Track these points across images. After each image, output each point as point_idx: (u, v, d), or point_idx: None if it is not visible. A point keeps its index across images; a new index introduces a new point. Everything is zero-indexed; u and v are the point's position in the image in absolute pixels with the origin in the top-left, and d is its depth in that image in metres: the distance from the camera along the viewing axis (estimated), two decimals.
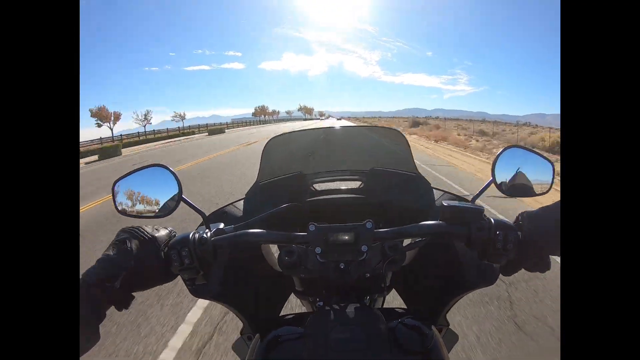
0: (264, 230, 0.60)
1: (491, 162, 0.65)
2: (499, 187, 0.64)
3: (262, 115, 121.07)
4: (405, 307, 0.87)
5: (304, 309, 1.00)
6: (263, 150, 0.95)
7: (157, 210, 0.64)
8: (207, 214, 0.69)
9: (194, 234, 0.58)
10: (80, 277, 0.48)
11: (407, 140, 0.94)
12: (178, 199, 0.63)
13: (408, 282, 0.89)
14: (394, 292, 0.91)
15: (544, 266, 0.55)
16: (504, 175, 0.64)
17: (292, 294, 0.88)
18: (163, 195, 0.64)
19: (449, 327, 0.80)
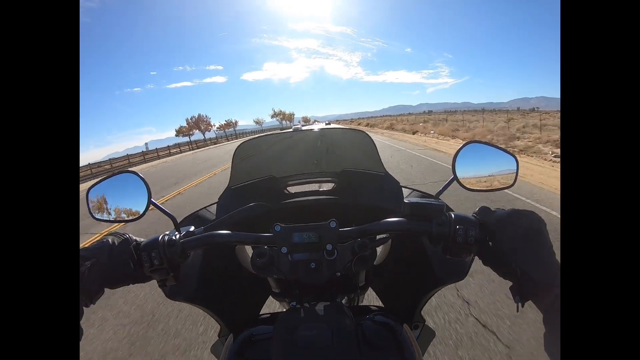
0: (231, 232, 0.62)
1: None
2: (460, 183, 0.66)
3: (192, 133, 64.94)
4: (381, 305, 0.88)
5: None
6: (233, 155, 0.96)
7: (129, 215, 0.66)
8: (181, 219, 0.71)
9: (164, 236, 0.59)
10: None
11: (372, 141, 0.96)
12: (147, 203, 0.65)
13: (383, 281, 0.90)
14: (374, 292, 0.93)
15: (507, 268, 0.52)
16: (466, 170, 0.66)
17: (271, 296, 0.90)
18: (134, 200, 0.66)
19: (425, 323, 0.81)
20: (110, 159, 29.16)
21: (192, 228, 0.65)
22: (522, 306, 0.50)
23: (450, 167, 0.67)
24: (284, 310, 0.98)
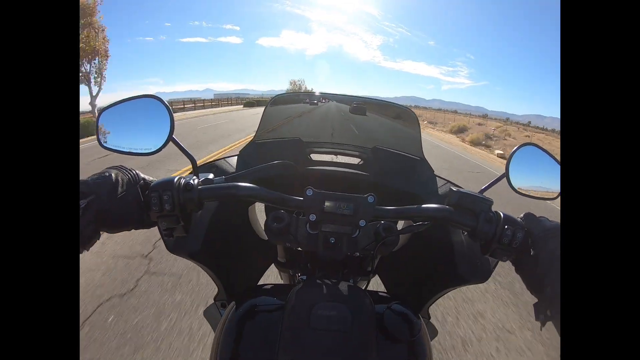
0: (257, 187, 0.55)
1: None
2: (510, 182, 0.62)
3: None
4: (392, 294, 0.85)
5: (281, 282, 0.97)
6: (264, 110, 0.89)
7: (145, 148, 0.58)
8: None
9: (180, 178, 0.52)
10: None
11: (418, 121, 0.89)
12: (168, 137, 0.57)
13: (393, 268, 0.86)
14: (375, 278, 0.89)
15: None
16: (517, 171, 0.62)
17: (273, 265, 0.84)
18: (153, 131, 0.57)
19: (430, 320, 0.78)
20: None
21: (211, 176, 0.58)
22: (542, 327, 0.48)
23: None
24: (285, 282, 0.94)
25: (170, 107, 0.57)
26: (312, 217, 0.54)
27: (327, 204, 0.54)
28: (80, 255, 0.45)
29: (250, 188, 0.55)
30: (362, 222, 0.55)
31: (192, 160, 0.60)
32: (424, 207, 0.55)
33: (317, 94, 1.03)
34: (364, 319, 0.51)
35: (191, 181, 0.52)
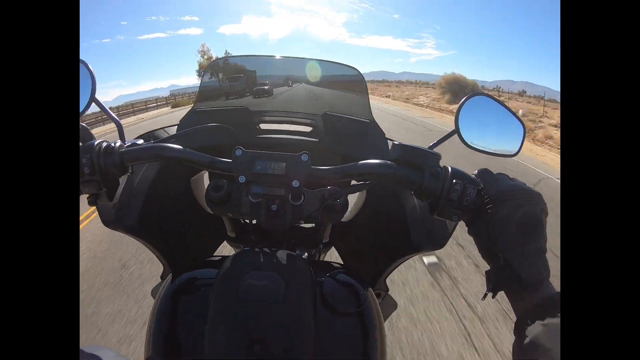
0: (182, 147, 0.52)
1: None
2: (462, 137, 0.57)
3: None
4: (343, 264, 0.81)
5: None
6: (204, 73, 0.86)
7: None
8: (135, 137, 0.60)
9: (101, 142, 0.49)
10: None
11: (365, 83, 0.85)
12: (90, 100, 0.54)
13: (349, 240, 0.83)
14: (334, 252, 0.85)
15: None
16: (469, 125, 0.57)
17: (225, 241, 0.81)
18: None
19: (388, 292, 0.74)
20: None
21: (140, 141, 0.55)
22: (493, 296, 0.44)
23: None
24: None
25: (90, 67, 0.54)
26: (242, 179, 0.51)
27: (257, 164, 0.50)
28: None
29: (176, 149, 0.51)
30: (295, 183, 0.51)
31: (118, 124, 0.57)
32: (362, 163, 0.51)
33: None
34: (299, 288, 0.47)
35: (112, 144, 0.50)
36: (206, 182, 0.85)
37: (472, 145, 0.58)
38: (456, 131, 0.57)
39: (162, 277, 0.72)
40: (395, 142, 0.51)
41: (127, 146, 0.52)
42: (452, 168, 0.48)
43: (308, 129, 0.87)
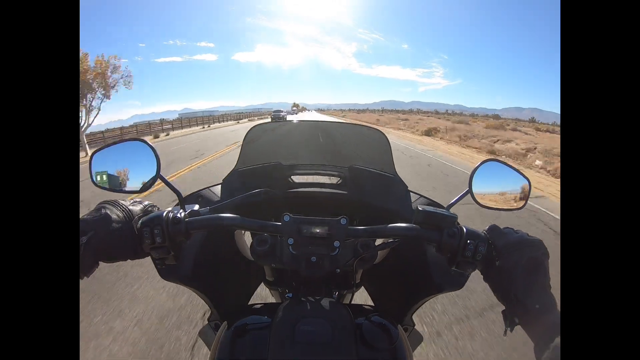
0: (238, 216, 0.60)
1: None
2: (474, 197, 0.66)
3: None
4: (373, 305, 0.89)
5: (273, 300, 1.01)
6: (244, 138, 0.95)
7: (134, 186, 0.63)
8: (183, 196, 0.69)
9: (168, 212, 0.57)
10: None
11: (388, 141, 0.95)
12: (155, 175, 0.62)
13: (377, 281, 0.90)
14: (363, 290, 0.93)
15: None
16: (481, 186, 0.66)
17: (263, 283, 0.89)
18: (141, 171, 0.63)
19: (414, 327, 0.82)
20: (105, 130, 26.54)
21: (196, 207, 0.63)
22: (511, 330, 0.52)
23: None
24: (275, 299, 0.98)
25: (155, 149, 0.62)
26: (290, 241, 0.59)
27: (303, 227, 0.59)
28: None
29: (232, 218, 0.59)
30: (336, 243, 0.59)
31: (179, 195, 0.65)
32: (392, 227, 0.60)
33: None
34: (343, 331, 0.55)
35: (178, 214, 0.57)
36: (245, 233, 0.93)
37: (483, 204, 0.67)
38: (469, 191, 0.66)
39: (209, 320, 0.80)
40: (420, 207, 0.60)
41: (188, 213, 0.60)
42: (466, 228, 0.57)
43: (336, 179, 0.96)
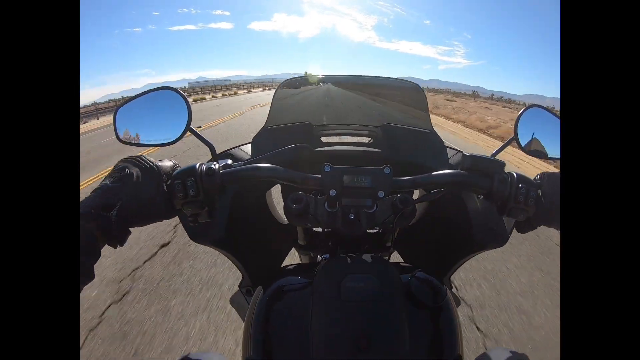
0: (278, 166, 0.57)
1: None
2: (520, 144, 0.63)
3: None
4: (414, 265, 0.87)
5: None
6: (273, 97, 0.91)
7: (163, 139, 0.60)
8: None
9: (201, 164, 0.53)
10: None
11: (424, 94, 0.91)
12: (186, 127, 0.58)
13: (411, 242, 0.88)
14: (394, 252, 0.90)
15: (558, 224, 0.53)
16: (526, 133, 0.64)
17: (294, 249, 0.86)
18: (170, 121, 0.59)
19: (452, 290, 0.80)
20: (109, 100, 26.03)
21: (229, 161, 0.60)
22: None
23: None
24: (308, 262, 0.95)
25: (186, 97, 0.58)
26: (332, 192, 0.56)
27: (345, 178, 0.56)
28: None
29: (271, 169, 0.56)
30: (380, 193, 0.56)
31: (211, 147, 0.61)
32: (439, 174, 0.57)
33: (320, 76, 1.04)
34: (392, 287, 0.52)
35: (212, 166, 0.53)
36: (274, 194, 0.90)
37: (528, 150, 0.64)
38: (515, 138, 0.63)
39: (241, 286, 0.77)
40: (465, 153, 0.57)
41: (222, 166, 0.56)
42: (516, 174, 0.54)
43: (366, 139, 0.92)
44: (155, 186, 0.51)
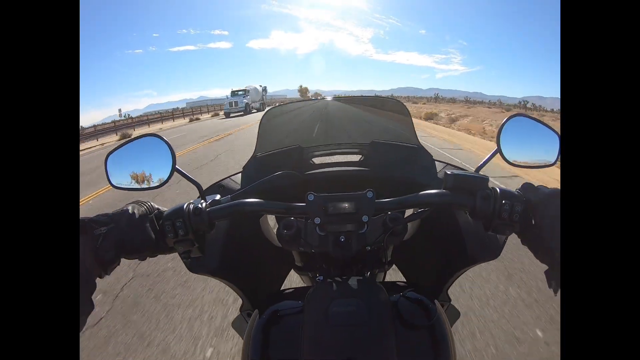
0: (262, 200, 0.58)
1: None
2: (504, 156, 0.62)
3: None
4: (406, 282, 0.87)
5: (303, 285, 1.00)
6: (260, 123, 0.92)
7: (151, 182, 0.62)
8: (203, 188, 0.67)
9: (189, 204, 0.55)
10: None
11: (408, 112, 0.91)
12: (172, 169, 0.61)
13: (409, 257, 0.88)
14: (395, 267, 0.91)
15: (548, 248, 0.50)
16: (509, 144, 0.62)
17: (293, 269, 0.88)
18: (157, 166, 0.62)
19: (451, 302, 0.80)
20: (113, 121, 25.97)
21: (217, 197, 0.61)
22: (555, 293, 0.48)
23: None
24: (306, 284, 0.97)
25: (169, 142, 0.61)
26: (317, 220, 0.57)
27: (329, 205, 0.57)
28: (101, 279, 0.50)
29: (255, 203, 0.58)
30: (364, 218, 0.57)
31: (198, 186, 0.63)
32: (422, 194, 0.57)
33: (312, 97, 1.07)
34: (379, 309, 0.53)
35: (199, 205, 0.55)
36: (270, 217, 0.92)
37: (513, 162, 0.63)
38: (498, 150, 0.62)
39: (241, 310, 0.79)
40: (448, 172, 0.57)
41: (209, 203, 0.58)
42: (500, 189, 0.53)
43: (357, 157, 0.93)
44: (149, 222, 0.54)
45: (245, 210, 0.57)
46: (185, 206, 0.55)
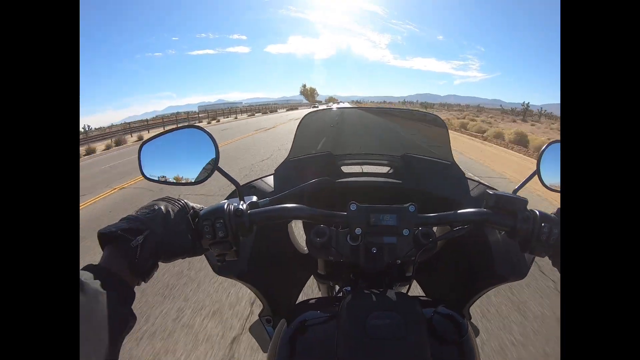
0: (303, 206, 0.57)
1: None
2: (541, 179, 0.63)
3: None
4: (434, 298, 0.86)
5: (319, 293, 0.99)
6: (297, 127, 0.92)
7: (189, 177, 0.60)
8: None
9: (229, 204, 0.53)
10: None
11: (445, 125, 0.92)
12: (214, 166, 0.58)
13: (431, 273, 0.88)
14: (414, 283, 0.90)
15: None
16: (548, 169, 0.64)
17: (313, 277, 0.86)
18: (197, 160, 0.59)
19: (471, 320, 0.80)
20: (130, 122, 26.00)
21: (254, 198, 0.59)
22: None
23: None
24: (323, 293, 0.95)
25: (213, 137, 0.58)
26: (358, 231, 0.56)
27: (371, 217, 0.56)
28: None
29: (298, 208, 0.56)
30: (405, 232, 0.57)
31: (238, 186, 0.61)
32: (463, 212, 0.57)
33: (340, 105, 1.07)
34: (416, 324, 0.52)
35: (240, 206, 0.53)
36: (294, 223, 0.90)
37: (549, 186, 0.64)
38: (537, 172, 0.63)
39: (261, 315, 0.77)
40: (490, 192, 0.57)
41: (248, 204, 0.56)
42: (539, 212, 0.55)
43: (386, 169, 0.92)
44: (185, 223, 0.51)
45: (288, 215, 0.56)
46: (225, 206, 0.52)
